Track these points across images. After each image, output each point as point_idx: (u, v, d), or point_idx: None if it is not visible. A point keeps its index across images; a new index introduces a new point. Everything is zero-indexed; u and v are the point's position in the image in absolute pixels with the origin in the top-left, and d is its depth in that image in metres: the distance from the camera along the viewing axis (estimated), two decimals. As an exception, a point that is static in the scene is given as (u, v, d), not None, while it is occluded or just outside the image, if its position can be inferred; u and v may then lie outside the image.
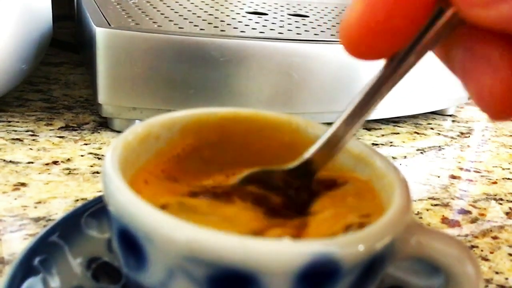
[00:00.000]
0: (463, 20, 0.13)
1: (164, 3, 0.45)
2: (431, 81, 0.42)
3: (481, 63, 0.13)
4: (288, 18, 0.44)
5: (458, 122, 0.47)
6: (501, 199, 0.33)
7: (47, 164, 0.31)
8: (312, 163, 0.18)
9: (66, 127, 0.37)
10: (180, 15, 0.41)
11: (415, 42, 0.14)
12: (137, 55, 0.33)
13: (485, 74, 0.13)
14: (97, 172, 0.31)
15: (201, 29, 0.37)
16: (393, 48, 0.14)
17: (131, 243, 0.14)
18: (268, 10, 0.47)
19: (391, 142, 0.41)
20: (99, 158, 0.33)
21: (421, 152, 0.40)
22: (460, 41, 0.14)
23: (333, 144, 0.17)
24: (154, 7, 0.43)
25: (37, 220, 0.26)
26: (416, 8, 0.13)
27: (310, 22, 0.44)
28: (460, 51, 0.14)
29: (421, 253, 0.16)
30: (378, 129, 0.43)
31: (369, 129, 0.42)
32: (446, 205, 0.32)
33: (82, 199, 0.28)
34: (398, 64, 0.14)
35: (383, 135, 0.42)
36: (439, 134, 0.44)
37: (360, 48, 0.14)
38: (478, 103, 0.14)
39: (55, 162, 0.32)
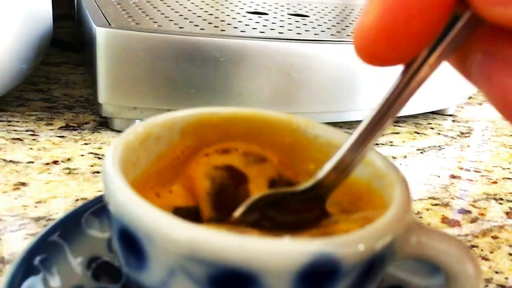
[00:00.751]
0: (481, 22, 0.12)
1: (165, 3, 0.45)
2: (431, 81, 0.42)
3: (503, 67, 0.13)
4: (288, 18, 0.44)
5: (458, 122, 0.47)
6: (501, 199, 0.33)
7: (47, 163, 0.31)
8: (323, 184, 0.17)
9: (67, 127, 0.37)
10: (180, 15, 0.41)
11: (431, 50, 0.13)
12: (137, 55, 0.33)
13: (508, 78, 0.12)
14: (97, 172, 0.31)
15: (201, 29, 0.37)
16: (409, 54, 0.13)
17: (131, 242, 0.14)
18: (268, 10, 0.47)
19: (391, 142, 0.41)
20: (99, 158, 0.33)
21: (421, 152, 0.40)
22: (478, 46, 0.13)
23: (345, 166, 0.16)
24: (154, 7, 0.43)
25: (37, 219, 0.26)
26: (435, 10, 0.12)
27: (310, 22, 0.44)
28: (478, 56, 0.13)
29: (421, 252, 0.16)
30: (378, 129, 0.43)
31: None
32: (446, 204, 0.32)
33: (82, 198, 0.28)
34: (412, 76, 0.14)
35: (383, 135, 0.42)
36: (439, 133, 0.44)
37: (375, 53, 0.13)
38: (502, 109, 0.13)
39: (55, 162, 0.32)
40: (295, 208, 0.17)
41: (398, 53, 0.13)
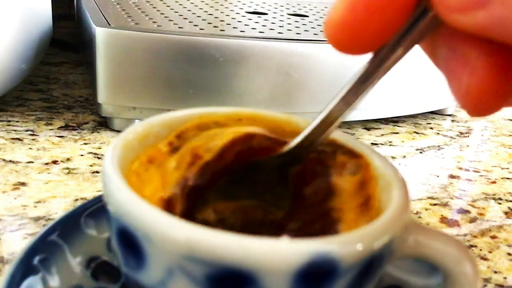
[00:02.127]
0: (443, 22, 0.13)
1: (164, 3, 0.45)
2: (430, 81, 0.42)
3: (460, 62, 0.14)
4: (288, 18, 0.44)
5: (458, 121, 0.47)
6: (500, 199, 0.33)
7: (46, 163, 0.31)
8: (295, 151, 0.18)
9: (66, 127, 0.37)
10: (179, 15, 0.41)
11: (399, 38, 0.14)
12: (137, 55, 0.33)
13: (463, 72, 0.14)
14: (97, 172, 0.31)
15: (200, 29, 0.37)
16: (375, 44, 0.15)
17: (130, 242, 0.14)
18: (268, 10, 0.47)
19: (390, 142, 0.41)
20: (98, 158, 0.33)
21: (420, 152, 0.40)
22: (444, 39, 0.14)
23: (318, 135, 0.18)
24: (153, 7, 0.43)
25: (36, 219, 0.26)
26: (395, 9, 0.14)
27: (310, 22, 0.44)
28: (444, 49, 0.15)
29: (419, 252, 0.16)
30: (377, 128, 0.43)
31: (368, 129, 0.42)
32: (445, 204, 0.32)
33: (82, 198, 0.28)
34: (382, 60, 0.15)
35: (382, 135, 0.42)
36: (438, 133, 0.44)
37: (342, 43, 0.14)
38: (457, 99, 0.14)
39: (54, 162, 0.32)
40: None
41: (361, 45, 0.14)
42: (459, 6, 0.12)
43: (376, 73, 0.15)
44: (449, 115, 0.48)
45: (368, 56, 0.15)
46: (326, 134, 0.17)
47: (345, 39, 0.14)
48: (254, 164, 0.19)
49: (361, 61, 0.15)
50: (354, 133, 0.41)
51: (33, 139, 0.34)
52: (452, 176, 0.36)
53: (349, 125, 0.42)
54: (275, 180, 0.19)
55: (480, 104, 0.14)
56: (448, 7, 0.12)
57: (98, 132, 0.36)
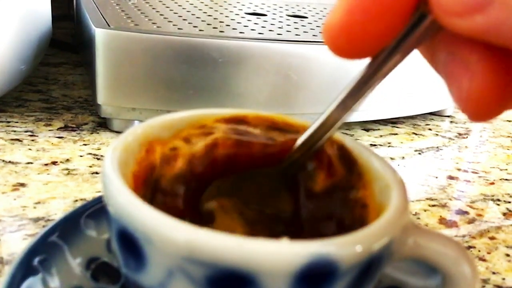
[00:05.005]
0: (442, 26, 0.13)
1: (163, 4, 0.45)
2: (429, 82, 0.42)
3: (460, 67, 0.14)
4: (287, 19, 0.44)
5: (456, 123, 0.47)
6: (499, 200, 0.33)
7: (46, 164, 0.31)
8: (294, 156, 0.18)
9: (65, 128, 0.37)
10: (179, 16, 0.41)
11: (398, 43, 0.14)
12: (136, 56, 0.34)
13: (463, 77, 0.14)
14: (96, 173, 0.31)
15: (200, 30, 0.37)
16: (374, 49, 0.15)
17: (130, 243, 0.14)
18: (267, 11, 0.47)
19: (389, 143, 0.41)
20: (98, 159, 0.33)
21: (419, 153, 0.40)
22: (443, 44, 0.14)
23: (316, 139, 0.18)
24: (153, 8, 0.43)
25: (36, 220, 0.26)
26: (394, 14, 0.14)
27: (309, 23, 0.44)
28: (443, 53, 0.15)
29: (418, 254, 0.16)
30: (376, 129, 0.43)
31: (367, 130, 0.42)
32: (443, 205, 0.32)
33: (81, 199, 0.28)
34: (381, 64, 0.15)
35: (381, 136, 0.42)
36: (437, 135, 0.44)
37: (341, 48, 0.14)
38: (457, 104, 0.14)
39: (54, 163, 0.32)
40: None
41: (359, 49, 0.14)
42: (458, 10, 0.12)
43: (375, 77, 0.15)
44: (448, 116, 0.49)
45: (367, 60, 0.15)
46: (325, 139, 0.18)
47: (344, 44, 0.14)
48: (254, 173, 0.19)
49: (360, 63, 0.15)
50: (353, 134, 0.41)
51: (33, 140, 0.34)
52: (450, 177, 0.36)
53: (348, 126, 0.42)
54: (276, 186, 0.19)
55: (481, 109, 0.14)
56: (446, 11, 0.12)
57: (98, 133, 0.36)
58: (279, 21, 0.43)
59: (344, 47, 0.14)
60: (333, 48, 0.15)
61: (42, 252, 0.19)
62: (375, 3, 0.13)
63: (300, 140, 0.18)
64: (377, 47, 0.15)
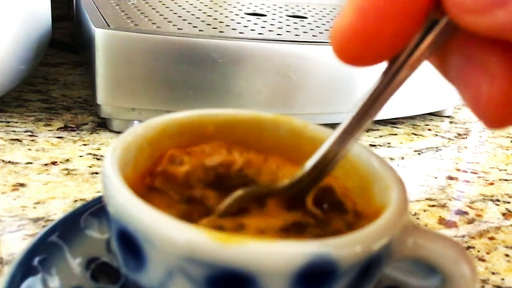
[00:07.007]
0: (458, 28, 0.13)
1: (163, 4, 0.45)
2: (429, 82, 0.42)
3: (478, 70, 0.13)
4: (287, 20, 0.44)
5: (456, 123, 0.47)
6: (498, 200, 0.33)
7: (46, 164, 0.31)
8: (306, 181, 0.17)
9: (65, 128, 0.37)
10: (179, 16, 0.41)
11: (411, 50, 0.14)
12: (136, 56, 0.34)
13: (482, 81, 0.13)
14: (96, 173, 0.31)
15: (199, 30, 0.37)
16: (383, 56, 0.14)
17: (130, 243, 0.14)
18: (267, 11, 0.47)
19: (388, 143, 0.41)
20: (98, 159, 0.33)
21: (419, 153, 0.40)
22: (456, 48, 0.14)
23: (328, 161, 0.16)
24: (153, 8, 0.43)
25: (36, 220, 0.26)
26: (408, 15, 0.13)
27: (309, 23, 0.44)
28: (456, 58, 0.14)
29: (417, 254, 0.16)
30: (376, 130, 0.43)
31: (366, 130, 0.42)
32: (443, 206, 0.32)
33: (81, 199, 0.28)
34: (393, 76, 0.14)
35: (381, 136, 0.42)
36: (436, 135, 0.44)
37: (350, 54, 0.13)
38: (474, 110, 0.13)
39: (54, 163, 0.32)
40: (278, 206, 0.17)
41: (371, 55, 0.13)
42: (476, 6, 0.11)
43: (389, 89, 0.14)
44: (447, 116, 0.49)
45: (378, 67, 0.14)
46: (338, 159, 0.16)
47: (355, 49, 0.13)
48: (259, 196, 0.18)
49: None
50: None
51: (32, 140, 0.34)
52: (450, 178, 0.36)
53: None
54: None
55: (502, 115, 0.13)
56: (463, 8, 0.12)
57: (97, 133, 0.36)
58: (279, 22, 0.43)
59: (355, 52, 0.13)
60: (342, 54, 0.14)
61: (42, 252, 0.19)
62: (391, 2, 0.12)
63: (310, 163, 0.17)
64: (390, 52, 0.14)
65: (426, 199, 0.32)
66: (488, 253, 0.27)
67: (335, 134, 0.16)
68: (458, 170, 0.38)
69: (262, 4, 0.49)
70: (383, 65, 0.15)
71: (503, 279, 0.25)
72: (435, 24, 0.13)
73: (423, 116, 0.47)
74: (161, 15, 0.40)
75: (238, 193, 0.17)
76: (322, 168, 0.16)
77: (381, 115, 0.42)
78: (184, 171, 0.19)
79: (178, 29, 0.37)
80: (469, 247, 0.27)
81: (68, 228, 0.21)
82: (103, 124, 0.37)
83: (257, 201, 0.17)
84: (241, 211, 0.17)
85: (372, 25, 0.13)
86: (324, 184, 0.18)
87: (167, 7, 0.44)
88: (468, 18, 0.12)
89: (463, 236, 0.28)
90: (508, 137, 0.45)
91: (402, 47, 0.14)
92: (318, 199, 0.18)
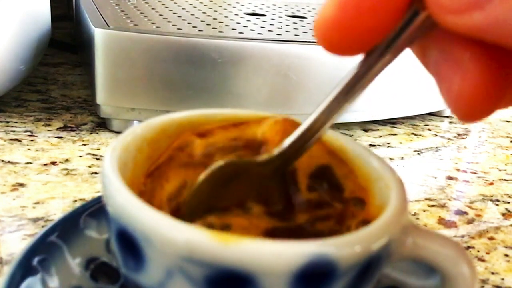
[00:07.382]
0: (437, 23, 0.13)
1: (163, 4, 0.45)
2: (428, 82, 0.42)
3: (452, 65, 0.14)
4: (286, 20, 0.44)
5: (455, 123, 0.47)
6: (498, 200, 0.33)
7: (45, 164, 0.31)
8: (285, 156, 0.18)
9: (65, 128, 0.37)
10: (178, 16, 0.41)
11: (390, 40, 0.14)
12: (135, 56, 0.34)
13: (455, 75, 0.13)
14: (96, 173, 0.31)
15: (199, 30, 0.37)
16: (366, 46, 0.14)
17: (129, 243, 0.14)
18: (266, 11, 0.47)
19: (388, 143, 0.41)
20: (97, 159, 0.33)
21: (418, 153, 0.40)
22: (435, 41, 0.14)
23: (307, 138, 0.17)
24: (152, 8, 0.43)
25: (35, 220, 0.26)
26: (387, 9, 0.13)
27: (308, 23, 0.44)
28: (435, 51, 0.14)
29: (417, 254, 0.16)
30: (375, 130, 0.43)
31: (366, 130, 0.43)
32: (442, 206, 0.32)
33: (81, 199, 0.28)
34: (374, 62, 0.15)
35: (380, 136, 0.42)
36: (436, 135, 0.44)
37: (331, 43, 0.14)
38: (447, 103, 0.14)
39: (53, 163, 0.32)
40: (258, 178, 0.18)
41: (351, 45, 0.14)
42: (455, 7, 0.12)
43: (367, 76, 0.15)
44: (447, 116, 0.49)
45: (360, 57, 0.15)
46: (315, 139, 0.17)
47: (335, 39, 0.14)
48: (239, 169, 0.18)
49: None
50: (352, 135, 0.41)
51: (32, 140, 0.34)
52: (449, 178, 0.36)
53: (347, 126, 0.42)
54: (266, 185, 0.19)
55: (472, 108, 0.13)
56: (443, 8, 0.12)
57: (97, 133, 0.36)
58: (278, 22, 0.43)
59: (336, 42, 0.14)
60: (324, 43, 0.14)
61: (42, 252, 0.19)
62: None
63: (289, 140, 0.17)
64: (370, 43, 0.14)
65: (426, 199, 0.32)
66: (487, 253, 0.27)
67: (313, 114, 0.16)
68: (458, 170, 0.38)
69: (262, 4, 0.49)
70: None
71: (502, 279, 0.25)
72: (416, 15, 0.13)
73: (422, 116, 0.47)
74: (160, 15, 0.40)
75: (219, 163, 0.18)
76: (300, 146, 0.17)
77: (381, 115, 0.42)
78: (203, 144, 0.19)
79: (178, 29, 0.37)
80: (468, 247, 0.27)
81: (68, 228, 0.21)
82: (102, 124, 0.37)
83: (235, 176, 0.18)
84: (225, 209, 0.18)
85: (351, 18, 0.13)
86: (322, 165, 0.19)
87: (166, 7, 0.44)
88: (448, 18, 0.12)
89: (462, 236, 0.28)
90: (507, 137, 0.45)
91: (382, 38, 0.14)
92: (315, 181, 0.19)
